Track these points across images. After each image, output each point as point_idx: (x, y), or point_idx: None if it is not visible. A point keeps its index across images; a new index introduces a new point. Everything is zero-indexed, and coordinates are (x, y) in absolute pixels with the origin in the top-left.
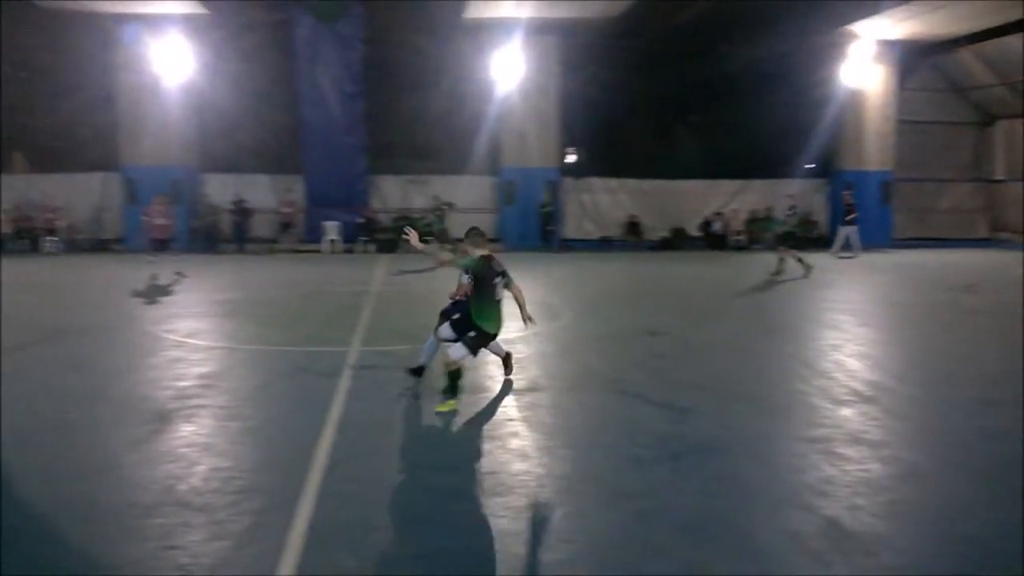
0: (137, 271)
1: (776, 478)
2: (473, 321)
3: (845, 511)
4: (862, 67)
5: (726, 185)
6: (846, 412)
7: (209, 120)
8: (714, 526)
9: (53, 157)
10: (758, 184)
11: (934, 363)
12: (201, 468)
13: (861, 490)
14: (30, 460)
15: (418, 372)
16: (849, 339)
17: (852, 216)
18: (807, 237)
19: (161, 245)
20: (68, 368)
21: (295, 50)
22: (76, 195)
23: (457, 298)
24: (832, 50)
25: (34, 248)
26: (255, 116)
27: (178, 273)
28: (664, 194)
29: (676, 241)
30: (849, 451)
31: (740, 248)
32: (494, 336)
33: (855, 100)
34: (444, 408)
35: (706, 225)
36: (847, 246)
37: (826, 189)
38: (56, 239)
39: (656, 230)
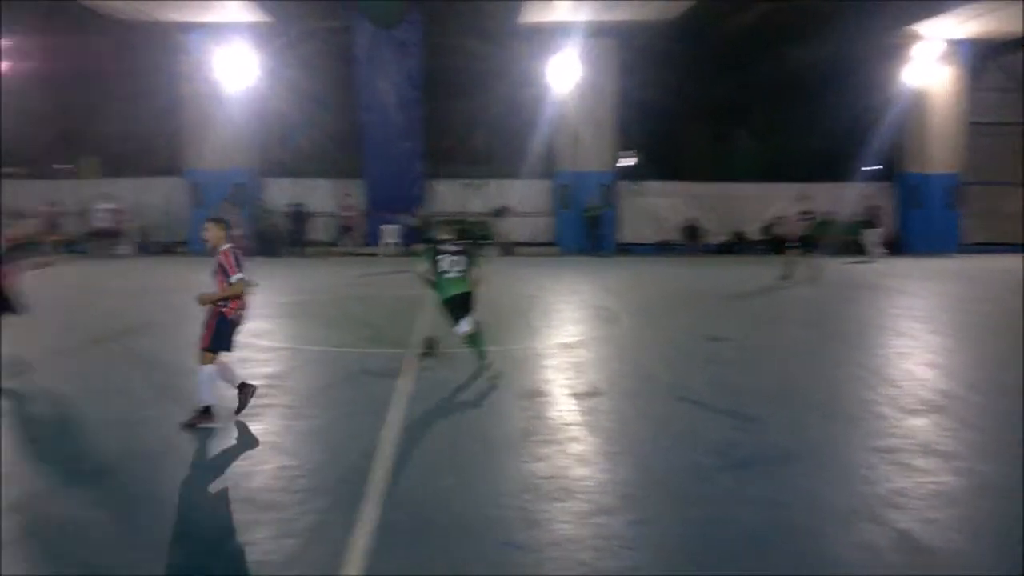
0: (203, 273)
1: (845, 489)
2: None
3: (919, 524)
4: (926, 68)
5: (787, 188)
6: (916, 422)
7: (270, 125)
8: (781, 536)
9: (123, 162)
10: (819, 188)
11: (1006, 372)
12: (268, 467)
13: (934, 503)
14: (107, 456)
15: (207, 412)
16: (918, 346)
17: (873, 220)
18: (854, 240)
19: None
20: (140, 367)
21: (355, 56)
22: (144, 199)
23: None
24: (895, 51)
25: (104, 251)
26: (315, 121)
27: None
28: (723, 197)
29: (737, 245)
30: (921, 462)
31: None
32: (453, 300)
33: (919, 101)
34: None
35: (767, 229)
36: (867, 251)
37: (890, 192)
38: (122, 242)
39: (716, 234)
